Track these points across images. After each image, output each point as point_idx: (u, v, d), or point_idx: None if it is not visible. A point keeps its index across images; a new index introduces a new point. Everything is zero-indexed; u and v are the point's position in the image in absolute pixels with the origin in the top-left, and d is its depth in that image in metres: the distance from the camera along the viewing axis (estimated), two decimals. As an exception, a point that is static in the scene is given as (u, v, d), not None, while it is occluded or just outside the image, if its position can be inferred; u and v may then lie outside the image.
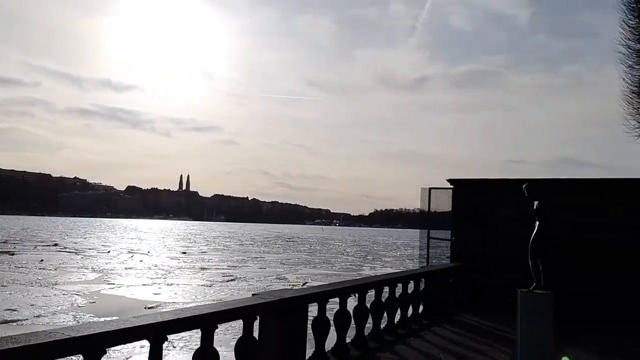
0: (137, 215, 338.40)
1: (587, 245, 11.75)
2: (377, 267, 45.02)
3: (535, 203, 6.53)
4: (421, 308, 10.42)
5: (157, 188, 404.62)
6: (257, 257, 51.18)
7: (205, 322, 4.76)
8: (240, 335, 5.37)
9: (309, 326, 6.60)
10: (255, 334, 5.53)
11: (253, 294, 6.07)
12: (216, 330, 4.99)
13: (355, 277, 35.62)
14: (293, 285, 29.76)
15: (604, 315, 10.76)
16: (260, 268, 39.92)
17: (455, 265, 12.28)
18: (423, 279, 10.42)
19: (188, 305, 20.72)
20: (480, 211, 12.80)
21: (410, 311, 9.80)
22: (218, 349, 5.00)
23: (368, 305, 8.23)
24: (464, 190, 13.11)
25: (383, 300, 8.76)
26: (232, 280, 31.28)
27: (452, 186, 13.31)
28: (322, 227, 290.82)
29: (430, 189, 13.93)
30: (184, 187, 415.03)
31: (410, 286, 9.78)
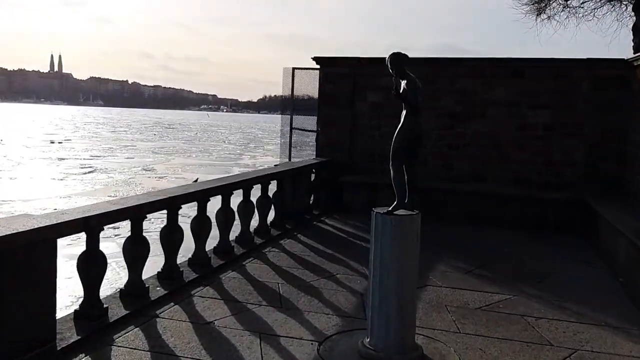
0: (1, 98, 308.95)
1: (468, 137, 10.27)
2: (257, 156, 43.32)
3: (403, 84, 4.55)
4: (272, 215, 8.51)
5: (24, 69, 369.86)
6: (128, 146, 47.38)
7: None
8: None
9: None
10: None
11: None
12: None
13: (231, 167, 34.00)
14: (160, 178, 27.41)
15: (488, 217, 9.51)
16: (128, 158, 36.71)
17: (320, 162, 10.38)
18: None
19: (24, 204, 17.99)
20: (349, 97, 10.80)
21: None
22: None
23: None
24: (331, 71, 10.97)
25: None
26: (90, 172, 28.13)
27: (318, 66, 11.12)
28: (208, 113, 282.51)
29: (293, 69, 11.68)
30: (56, 69, 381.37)
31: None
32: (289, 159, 12.05)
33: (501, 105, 10.07)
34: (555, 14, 16.23)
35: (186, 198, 5.99)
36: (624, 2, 15.67)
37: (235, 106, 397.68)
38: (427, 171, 9.81)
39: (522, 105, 9.93)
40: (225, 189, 6.85)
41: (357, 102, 10.76)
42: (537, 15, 16.41)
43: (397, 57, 4.61)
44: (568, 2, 15.85)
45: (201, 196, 6.29)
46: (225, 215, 6.92)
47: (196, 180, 25.06)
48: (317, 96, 11.38)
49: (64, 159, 34.48)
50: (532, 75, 9.93)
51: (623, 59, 9.47)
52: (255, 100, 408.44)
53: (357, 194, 10.16)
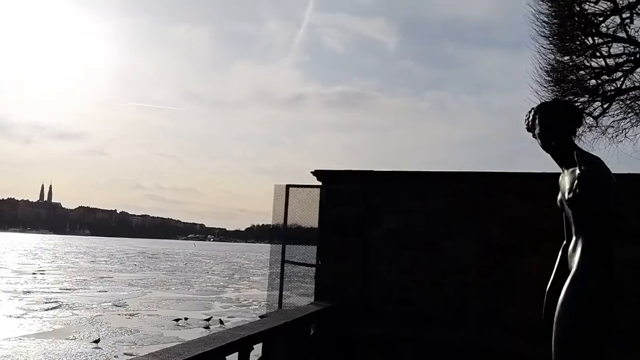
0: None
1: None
2: (242, 288, 40.19)
3: (572, 173, 2.33)
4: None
5: (14, 198, 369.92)
6: (104, 277, 44.06)
7: None
8: None
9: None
10: None
11: None
12: None
13: (212, 301, 30.81)
14: (130, 315, 24.29)
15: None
16: (101, 291, 33.45)
17: (323, 308, 7.68)
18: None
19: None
20: (359, 221, 8.37)
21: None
22: None
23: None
24: (336, 189, 8.63)
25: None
26: (53, 308, 25.00)
27: (319, 182, 8.81)
28: (194, 242, 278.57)
29: (288, 186, 9.35)
30: (45, 198, 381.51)
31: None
32: (280, 302, 9.38)
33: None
34: (581, 134, 14.54)
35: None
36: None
37: (223, 235, 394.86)
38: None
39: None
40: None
41: (369, 228, 8.31)
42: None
43: (565, 110, 2.47)
44: (597, 121, 14.19)
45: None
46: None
47: (178, 320, 22.11)
48: (316, 221, 8.97)
49: (29, 292, 31.32)
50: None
51: None
52: (242, 229, 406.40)
53: (375, 348, 7.41)
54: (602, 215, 2.49)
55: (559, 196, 3.03)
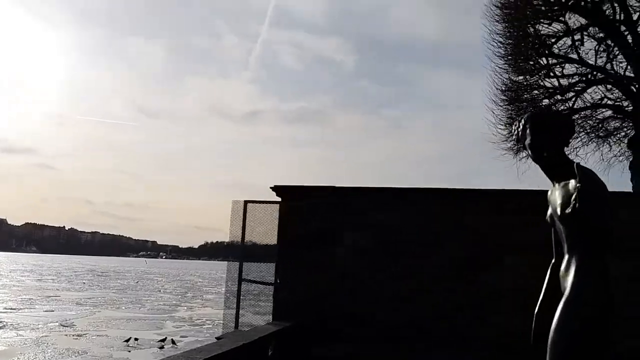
0: None
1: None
2: (195, 307, 39.11)
3: (568, 186, 2.26)
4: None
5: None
6: (51, 297, 42.22)
7: None
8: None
9: None
10: None
11: None
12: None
13: (164, 320, 29.94)
14: (78, 336, 23.31)
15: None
16: (47, 311, 31.97)
17: (280, 329, 7.42)
18: None
19: None
20: (321, 238, 8.19)
21: None
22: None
23: None
24: (297, 205, 8.43)
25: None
26: (-4, 329, 23.75)
27: (278, 198, 8.59)
28: (146, 260, 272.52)
29: (246, 202, 9.11)
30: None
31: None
32: (236, 321, 9.07)
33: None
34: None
35: None
36: (609, 141, 14.44)
37: (175, 252, 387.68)
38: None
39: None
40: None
41: (331, 244, 8.13)
42: (515, 154, 15.05)
43: (557, 119, 2.36)
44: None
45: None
46: None
47: (128, 340, 21.39)
48: (275, 237, 8.74)
49: (-31, 313, 29.69)
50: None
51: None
52: (196, 246, 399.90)
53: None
54: (601, 230, 2.37)
55: (549, 211, 2.89)
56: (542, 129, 2.78)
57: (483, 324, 7.54)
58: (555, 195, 2.73)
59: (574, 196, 2.34)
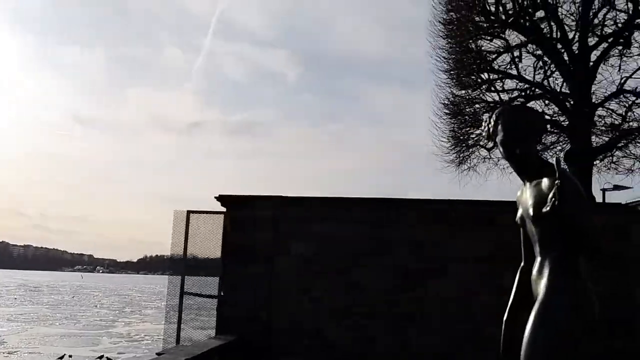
0: None
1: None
2: (133, 322, 37.92)
3: (541, 183, 2.13)
4: None
5: None
6: (-21, 313, 40.15)
7: None
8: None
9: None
10: None
11: None
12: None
13: (100, 336, 28.84)
14: (9, 353, 22.13)
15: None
16: (-25, 328, 30.34)
17: (223, 344, 7.16)
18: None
19: None
20: (267, 249, 8.00)
21: None
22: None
23: None
24: (243, 215, 8.22)
25: None
26: None
27: (223, 208, 8.35)
28: (82, 274, 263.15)
29: (189, 212, 8.82)
30: None
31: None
32: (178, 337, 8.73)
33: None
34: (475, 166, 15.21)
35: None
36: (546, 154, 14.89)
37: (113, 267, 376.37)
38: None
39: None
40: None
41: (278, 256, 7.95)
42: (458, 166, 15.30)
43: (530, 115, 2.26)
44: (491, 153, 14.84)
45: None
46: None
47: (62, 358, 20.39)
48: (219, 249, 8.49)
49: None
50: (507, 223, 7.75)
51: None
52: (134, 260, 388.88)
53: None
54: (582, 229, 2.26)
55: (519, 213, 2.78)
56: (514, 125, 2.66)
57: (429, 332, 7.52)
58: (527, 195, 2.63)
59: (551, 194, 2.23)
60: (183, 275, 9.01)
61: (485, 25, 14.10)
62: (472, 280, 7.65)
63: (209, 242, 8.90)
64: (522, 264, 2.92)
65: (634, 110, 13.62)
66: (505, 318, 2.90)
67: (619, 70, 13.52)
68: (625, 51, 13.45)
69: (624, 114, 13.58)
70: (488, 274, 7.58)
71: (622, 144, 13.70)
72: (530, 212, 2.51)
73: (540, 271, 2.48)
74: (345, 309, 7.67)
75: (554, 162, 2.18)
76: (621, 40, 13.37)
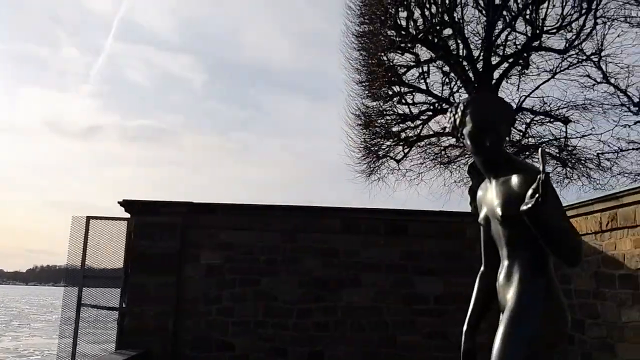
0: None
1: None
2: (21, 337, 35.30)
3: (512, 180, 1.97)
4: None
5: None
6: None
7: None
8: None
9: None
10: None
11: None
12: None
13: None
14: None
15: None
16: None
17: (130, 357, 6.67)
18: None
19: None
20: (174, 258, 7.59)
21: None
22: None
23: None
24: (148, 221, 7.76)
25: None
26: None
27: (127, 214, 7.86)
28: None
29: (88, 217, 8.22)
30: None
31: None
32: (73, 352, 8.09)
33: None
34: (384, 176, 15.45)
35: None
36: (450, 168, 15.38)
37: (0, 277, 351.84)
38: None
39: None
40: None
41: (186, 265, 7.56)
42: (368, 176, 15.46)
43: (499, 106, 2.13)
44: (400, 165, 15.11)
45: None
46: None
47: None
48: (122, 258, 7.98)
49: None
50: (417, 232, 7.80)
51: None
52: (23, 270, 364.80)
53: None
54: (566, 227, 2.10)
55: (483, 212, 2.52)
56: (484, 115, 2.43)
57: (341, 342, 7.42)
58: (493, 194, 2.42)
59: (531, 191, 2.03)
60: (80, 286, 8.38)
61: (397, 39, 14.37)
62: (384, 288, 7.64)
63: (110, 251, 8.35)
64: (482, 268, 2.70)
65: (532, 127, 14.36)
66: (465, 328, 2.65)
67: (517, 89, 14.24)
68: (523, 71, 14.18)
69: (523, 130, 14.29)
70: (400, 282, 7.60)
71: (521, 158, 14.41)
72: (498, 211, 2.31)
73: (508, 275, 2.30)
74: (255, 319, 7.41)
75: (539, 154, 1.99)
76: (520, 61, 14.08)
